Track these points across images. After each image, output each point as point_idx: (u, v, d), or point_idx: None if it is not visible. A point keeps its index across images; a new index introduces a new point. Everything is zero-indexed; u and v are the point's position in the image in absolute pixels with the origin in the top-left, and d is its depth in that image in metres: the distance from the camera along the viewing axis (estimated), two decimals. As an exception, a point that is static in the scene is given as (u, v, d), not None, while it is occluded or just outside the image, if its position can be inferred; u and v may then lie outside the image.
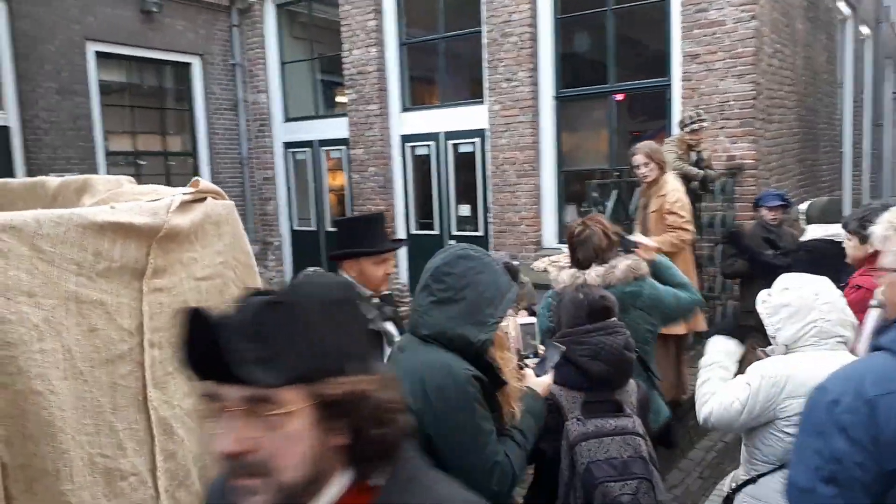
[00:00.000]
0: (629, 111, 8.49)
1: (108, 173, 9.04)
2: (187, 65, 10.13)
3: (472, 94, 8.80)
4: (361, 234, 2.59)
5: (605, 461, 2.07)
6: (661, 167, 4.64)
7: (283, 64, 10.58)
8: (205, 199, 1.89)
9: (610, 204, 5.60)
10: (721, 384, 2.27)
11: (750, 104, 6.58)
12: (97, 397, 1.63)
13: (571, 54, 8.27)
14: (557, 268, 3.12)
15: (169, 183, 9.98)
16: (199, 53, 10.15)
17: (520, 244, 8.14)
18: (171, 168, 10.03)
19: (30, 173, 8.28)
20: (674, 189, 4.58)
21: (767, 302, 2.23)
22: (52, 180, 2.05)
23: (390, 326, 2.70)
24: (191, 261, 1.86)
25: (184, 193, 1.83)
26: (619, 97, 7.94)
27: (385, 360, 2.12)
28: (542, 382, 2.07)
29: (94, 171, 8.85)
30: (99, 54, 9.03)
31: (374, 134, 9.27)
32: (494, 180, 8.30)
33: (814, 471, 1.43)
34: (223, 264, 1.94)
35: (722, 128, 6.68)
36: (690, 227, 4.58)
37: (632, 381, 2.30)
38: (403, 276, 9.41)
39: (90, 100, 8.90)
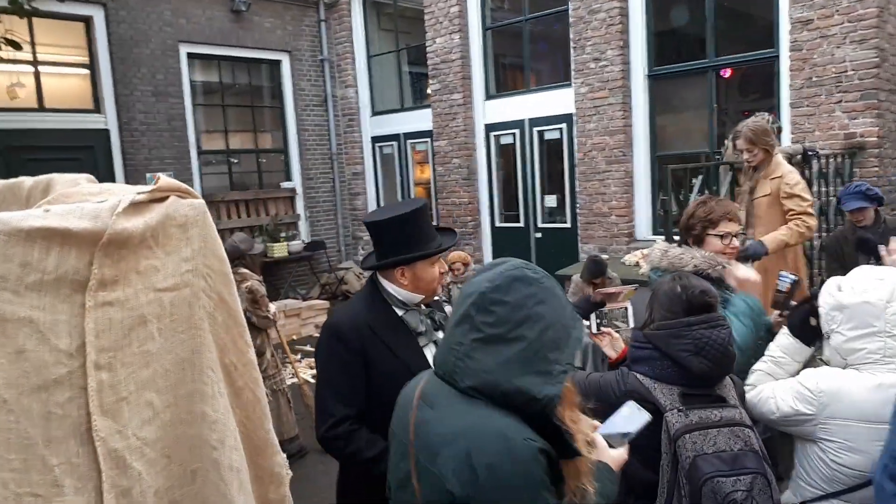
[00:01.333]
0: (732, 88, 7.74)
1: (201, 172, 9.31)
2: (277, 62, 10.25)
3: (558, 77, 8.33)
4: (409, 234, 2.12)
5: (713, 454, 1.83)
6: (768, 149, 4.06)
7: (369, 57, 10.51)
8: (166, 198, 1.66)
9: (694, 191, 5.01)
10: (765, 378, 2.09)
11: (873, 73, 5.75)
12: (26, 429, 1.43)
13: (666, 28, 7.63)
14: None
15: (261, 180, 10.17)
16: (288, 50, 10.25)
17: (610, 236, 7.61)
18: (262, 165, 10.20)
19: (127, 174, 8.64)
20: (791, 170, 4.01)
21: (831, 296, 1.94)
22: (27, 181, 1.90)
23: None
24: (150, 269, 1.63)
25: (138, 193, 1.61)
26: (727, 73, 7.23)
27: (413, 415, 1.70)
28: (617, 457, 1.65)
29: (188, 170, 9.13)
30: (191, 55, 9.27)
31: (457, 124, 8.99)
32: (582, 168, 7.80)
33: (883, 467, 1.41)
34: (192, 272, 1.70)
35: (839, 102, 5.89)
36: (813, 210, 4.00)
37: (727, 377, 2.01)
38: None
39: (184, 100, 9.15)
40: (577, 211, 7.95)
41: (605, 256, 7.28)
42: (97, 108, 8.55)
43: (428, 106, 9.49)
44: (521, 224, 8.67)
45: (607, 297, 2.41)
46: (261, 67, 10.21)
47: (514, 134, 8.63)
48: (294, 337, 8.59)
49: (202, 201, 1.74)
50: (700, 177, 5.31)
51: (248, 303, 4.83)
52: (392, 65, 10.43)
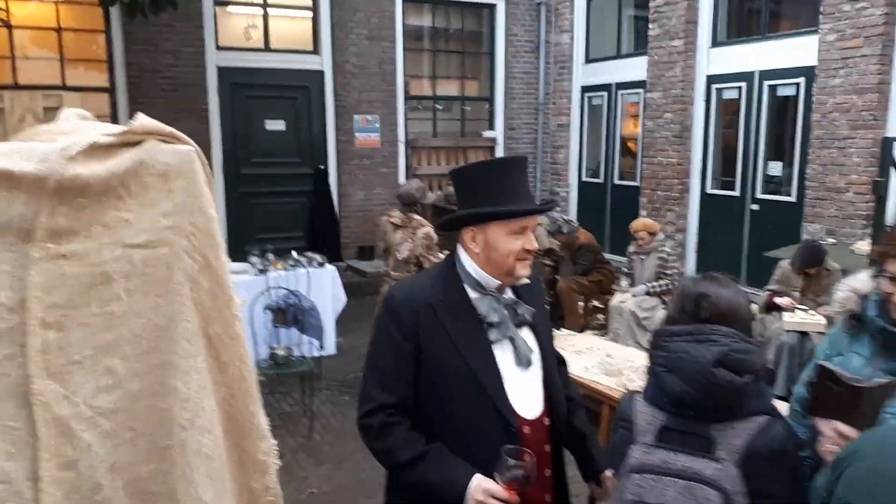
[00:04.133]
0: None
1: (407, 117, 9.42)
2: (492, 6, 9.94)
3: (802, 22, 6.99)
4: (490, 188, 1.72)
5: None
6: None
7: (589, 0, 9.75)
8: (140, 142, 1.45)
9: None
10: None
11: None
12: (-46, 384, 1.34)
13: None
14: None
15: (463, 128, 10.07)
16: (505, -7, 9.87)
17: (843, 217, 6.32)
18: (466, 113, 10.08)
19: (337, 115, 9.02)
20: None
21: None
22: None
23: (528, 335, 1.81)
24: (119, 223, 1.45)
25: (103, 134, 1.41)
26: None
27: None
28: None
29: (393, 114, 9.31)
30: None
31: (674, 74, 8.02)
32: (818, 132, 6.51)
33: None
34: (173, 230, 1.50)
35: None
36: None
37: (759, 421, 1.50)
38: (690, 253, 8.13)
39: (395, 44, 9.25)
40: (806, 183, 6.71)
41: (830, 241, 6.10)
42: (315, 49, 8.96)
43: (645, 53, 8.58)
44: (737, 193, 7.56)
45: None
46: (474, 12, 9.97)
47: (739, 88, 7.47)
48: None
49: (191, 148, 1.50)
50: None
51: (423, 248, 4.80)
52: (613, 8, 9.58)
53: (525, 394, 1.74)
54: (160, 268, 1.50)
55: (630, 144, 9.27)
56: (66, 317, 1.42)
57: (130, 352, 1.49)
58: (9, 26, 6.58)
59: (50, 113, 2.89)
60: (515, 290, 1.83)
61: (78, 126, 1.51)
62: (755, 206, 7.35)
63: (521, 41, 10.06)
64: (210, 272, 1.56)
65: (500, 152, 10.05)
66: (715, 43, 7.79)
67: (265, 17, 8.70)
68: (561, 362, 2.05)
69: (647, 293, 6.11)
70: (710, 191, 7.95)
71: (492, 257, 1.74)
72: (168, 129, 1.49)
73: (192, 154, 1.51)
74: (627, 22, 9.58)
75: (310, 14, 8.93)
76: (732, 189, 7.63)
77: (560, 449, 1.82)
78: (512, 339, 1.75)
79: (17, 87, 7.53)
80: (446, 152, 9.68)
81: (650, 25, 8.33)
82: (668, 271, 6.21)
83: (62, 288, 1.41)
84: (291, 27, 9.03)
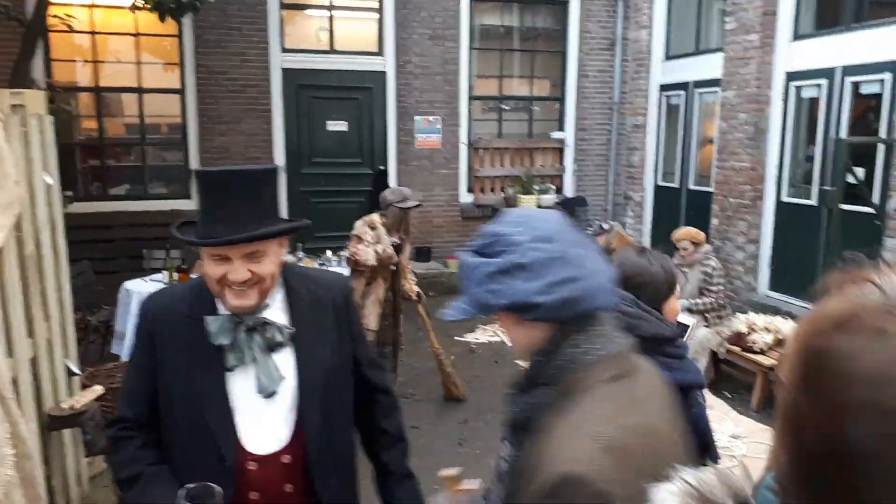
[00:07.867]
0: None
1: (471, 118, 9.27)
2: (564, 3, 9.56)
3: (891, 9, 6.16)
4: (203, 206, 1.54)
5: None
6: None
7: (671, -8, 9.14)
8: None
9: None
10: None
11: None
12: None
13: None
14: None
15: (531, 129, 9.75)
16: (579, -12, 9.46)
17: (928, 232, 5.50)
18: (534, 113, 9.75)
19: (399, 116, 9.00)
20: None
21: None
22: None
23: (286, 360, 1.59)
24: None
25: None
26: None
27: None
28: None
29: (455, 115, 9.18)
30: (473, -3, 9.13)
31: (749, 71, 7.33)
32: (902, 135, 5.72)
33: None
34: None
35: None
36: None
37: None
38: (763, 266, 7.40)
39: (459, 44, 9.11)
40: (890, 192, 5.90)
41: (907, 259, 5.32)
42: (379, 50, 8.98)
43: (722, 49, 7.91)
44: (814, 202, 6.79)
45: None
46: (546, 9, 9.63)
47: (819, 85, 6.70)
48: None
49: None
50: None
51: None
52: (695, 1, 8.92)
53: (262, 427, 1.56)
54: None
55: (709, 146, 8.59)
56: None
57: None
58: (73, 31, 7.06)
59: (18, 110, 3.04)
60: (292, 304, 1.64)
61: None
62: (834, 217, 6.54)
63: (596, 38, 9.60)
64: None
65: (569, 154, 9.65)
66: (796, 36, 7.04)
67: (331, 19, 8.83)
68: (383, 391, 1.84)
69: (689, 310, 5.61)
70: (785, 199, 7.20)
71: (206, 279, 1.56)
72: None
73: None
74: (715, 15, 8.89)
75: (375, 15, 8.96)
76: (808, 198, 6.86)
77: (322, 488, 1.61)
78: (256, 364, 1.56)
79: (99, 89, 8.13)
80: (511, 154, 9.41)
81: (726, 19, 7.67)
82: (713, 287, 5.67)
83: None
84: (356, 28, 9.11)
